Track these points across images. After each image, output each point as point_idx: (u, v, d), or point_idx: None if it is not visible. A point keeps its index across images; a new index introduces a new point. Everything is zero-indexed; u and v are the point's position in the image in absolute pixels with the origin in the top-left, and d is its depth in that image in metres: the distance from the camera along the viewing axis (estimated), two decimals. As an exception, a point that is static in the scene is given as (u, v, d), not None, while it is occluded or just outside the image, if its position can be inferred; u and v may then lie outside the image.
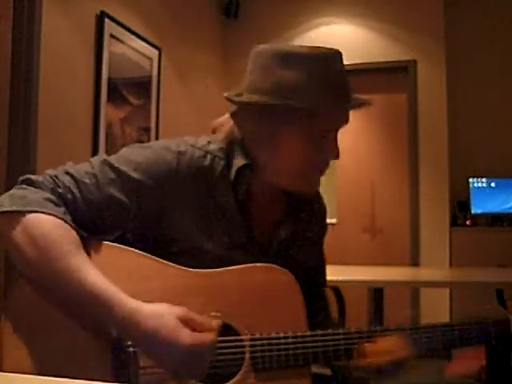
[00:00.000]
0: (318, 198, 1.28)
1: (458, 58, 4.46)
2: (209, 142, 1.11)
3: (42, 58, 2.57)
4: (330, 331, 1.04)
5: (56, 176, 1.03)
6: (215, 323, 0.95)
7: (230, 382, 0.99)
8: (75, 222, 0.99)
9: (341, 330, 1.04)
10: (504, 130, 4.41)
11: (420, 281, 2.80)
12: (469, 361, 2.22)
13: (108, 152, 3.03)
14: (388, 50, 4.45)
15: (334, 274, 2.57)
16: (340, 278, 2.58)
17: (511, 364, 1.83)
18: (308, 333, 1.03)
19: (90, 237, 1.02)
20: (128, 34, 3.32)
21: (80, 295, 0.92)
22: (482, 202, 4.29)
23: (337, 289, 2.97)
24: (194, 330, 0.91)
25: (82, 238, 0.99)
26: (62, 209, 0.99)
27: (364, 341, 1.04)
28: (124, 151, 1.09)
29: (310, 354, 1.02)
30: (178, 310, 0.92)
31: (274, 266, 1.05)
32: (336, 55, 1.07)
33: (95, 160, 1.07)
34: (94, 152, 2.98)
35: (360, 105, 1.09)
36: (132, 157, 1.06)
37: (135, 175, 1.03)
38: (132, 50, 3.38)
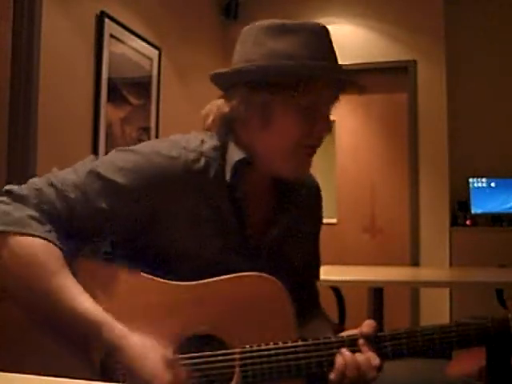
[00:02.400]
0: (311, 187, 1.25)
1: (458, 58, 4.46)
2: (202, 142, 1.07)
3: (42, 58, 2.57)
4: (321, 340, 1.00)
5: (40, 188, 0.99)
6: (195, 376, 0.95)
7: None
8: (61, 237, 0.98)
9: (333, 338, 1.01)
10: (504, 130, 4.41)
11: (420, 281, 2.81)
12: (469, 361, 2.22)
13: (108, 152, 3.03)
14: (388, 50, 4.45)
15: (334, 274, 2.58)
16: (340, 277, 2.58)
17: (511, 364, 1.83)
18: (299, 342, 0.99)
19: (76, 253, 1.01)
20: (128, 34, 3.32)
21: (67, 316, 0.91)
22: (482, 202, 4.29)
23: (337, 289, 2.97)
24: (175, 377, 0.90)
25: (66, 256, 0.97)
26: (47, 226, 0.96)
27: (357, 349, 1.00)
28: (112, 156, 1.05)
29: (302, 365, 0.99)
30: (163, 352, 0.92)
31: (262, 274, 1.01)
32: (324, 28, 1.07)
33: (81, 169, 1.02)
34: (94, 152, 2.99)
35: (352, 80, 1.10)
36: (120, 163, 1.02)
37: (124, 182, 1.00)
38: (132, 49, 3.38)
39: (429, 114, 4.36)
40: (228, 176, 1.04)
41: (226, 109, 1.07)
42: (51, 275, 0.93)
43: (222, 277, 1.01)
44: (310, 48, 1.02)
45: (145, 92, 3.55)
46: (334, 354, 0.99)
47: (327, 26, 1.08)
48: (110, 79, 3.12)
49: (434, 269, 3.73)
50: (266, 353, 0.98)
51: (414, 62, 4.38)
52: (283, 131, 1.04)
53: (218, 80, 1.08)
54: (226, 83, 1.07)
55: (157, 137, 3.64)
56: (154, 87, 3.63)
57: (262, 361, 0.98)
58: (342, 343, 1.00)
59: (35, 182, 1.01)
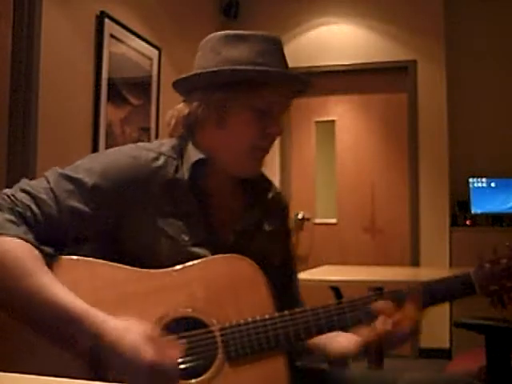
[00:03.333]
0: (272, 188, 1.29)
1: (458, 58, 4.46)
2: (161, 144, 1.17)
3: (42, 57, 2.57)
4: (297, 310, 1.05)
5: (13, 195, 1.02)
6: (181, 343, 0.97)
7: (206, 374, 0.99)
8: (38, 239, 1.00)
9: (308, 308, 1.05)
10: (504, 130, 4.41)
11: (420, 281, 2.80)
12: (469, 361, 2.22)
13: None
14: (388, 50, 4.45)
15: (334, 274, 2.58)
16: (340, 277, 2.58)
17: (511, 364, 1.83)
18: (276, 315, 1.04)
19: (54, 251, 1.03)
20: (128, 34, 3.32)
21: (48, 312, 0.93)
22: (482, 202, 4.29)
23: (337, 289, 2.97)
24: (159, 348, 0.91)
25: (44, 255, 1.00)
26: (23, 228, 0.99)
27: (334, 318, 1.05)
28: (78, 161, 1.11)
29: (280, 336, 1.03)
30: (144, 327, 0.93)
31: (235, 255, 1.07)
32: (277, 38, 1.15)
33: (50, 174, 1.08)
34: (94, 152, 2.98)
35: (301, 80, 1.14)
36: (87, 164, 1.09)
37: (91, 180, 1.06)
38: (132, 49, 3.38)
39: (429, 114, 4.36)
40: (186, 175, 1.12)
41: (186, 111, 1.16)
42: (29, 275, 0.94)
43: (196, 261, 1.06)
44: (260, 55, 1.10)
45: (145, 92, 3.55)
46: (309, 322, 1.04)
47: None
48: (109, 79, 3.12)
49: (434, 269, 3.72)
50: (244, 327, 1.02)
51: (414, 61, 4.38)
52: (237, 133, 1.12)
53: (178, 86, 1.18)
54: (186, 88, 1.17)
55: (157, 137, 3.64)
56: (153, 87, 3.62)
57: (242, 335, 1.02)
58: (317, 311, 1.05)
59: (6, 191, 1.05)
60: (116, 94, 3.20)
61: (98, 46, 3.04)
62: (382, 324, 1.04)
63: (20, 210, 1.01)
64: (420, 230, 4.32)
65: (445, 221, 4.27)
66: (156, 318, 1.00)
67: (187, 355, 0.99)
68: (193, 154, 1.13)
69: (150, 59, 3.59)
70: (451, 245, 4.19)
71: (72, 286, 0.97)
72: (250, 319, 1.03)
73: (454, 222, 4.29)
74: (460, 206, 4.34)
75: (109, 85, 3.11)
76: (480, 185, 4.32)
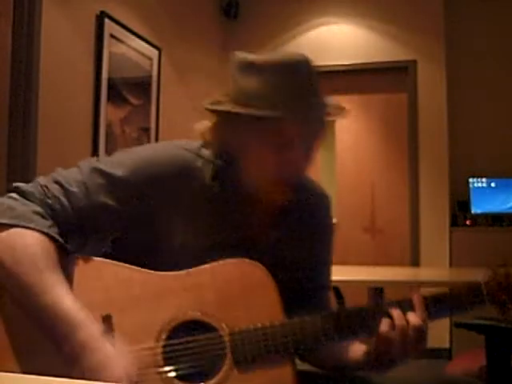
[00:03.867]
0: (315, 194, 1.26)
1: (458, 58, 4.46)
2: (201, 146, 1.12)
3: (42, 57, 2.57)
4: (307, 318, 1.03)
5: (46, 186, 1.03)
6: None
7: (214, 379, 0.99)
8: (64, 232, 1.01)
9: (318, 315, 1.04)
10: (504, 130, 4.41)
11: (420, 281, 2.81)
12: (469, 360, 2.22)
13: (108, 152, 3.04)
14: (388, 50, 4.45)
15: (333, 273, 2.57)
16: (340, 277, 2.58)
17: (511, 364, 1.83)
18: (286, 321, 1.03)
19: (79, 248, 1.04)
20: (128, 34, 3.32)
21: (49, 315, 0.93)
22: (481, 202, 4.29)
23: (337, 289, 2.97)
24: None
25: (64, 251, 1.00)
26: (49, 222, 1.00)
27: (343, 325, 1.04)
28: (114, 155, 1.11)
29: (289, 343, 1.02)
30: (126, 365, 0.93)
31: (245, 259, 1.05)
32: (300, 62, 1.05)
33: (84, 166, 1.07)
34: (94, 152, 2.99)
35: (325, 112, 1.06)
36: (122, 159, 1.08)
37: (124, 175, 1.05)
38: (132, 49, 3.38)
39: (429, 114, 4.36)
40: (219, 182, 1.09)
41: (209, 136, 1.10)
42: (40, 272, 0.95)
43: (208, 264, 1.05)
44: (278, 86, 1.01)
45: (145, 92, 3.55)
46: (319, 330, 1.03)
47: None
48: (110, 79, 3.12)
49: (434, 269, 3.73)
50: (253, 333, 1.01)
51: (414, 61, 4.38)
52: (257, 166, 1.07)
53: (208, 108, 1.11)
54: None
55: (157, 137, 3.64)
56: (154, 87, 3.63)
57: (251, 341, 1.01)
58: (328, 320, 1.03)
59: (41, 180, 1.05)
60: (116, 94, 3.20)
61: (98, 46, 3.04)
62: (388, 331, 1.02)
63: (50, 202, 1.01)
64: (420, 230, 4.32)
65: (445, 221, 4.27)
66: (165, 321, 1.00)
67: (195, 359, 0.99)
68: (225, 163, 1.10)
69: (150, 59, 3.59)
70: (451, 245, 4.19)
71: (85, 285, 0.98)
72: (259, 325, 1.02)
73: (454, 222, 4.29)
74: (460, 206, 4.34)
75: (109, 85, 3.11)
76: (480, 185, 4.32)
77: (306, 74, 1.05)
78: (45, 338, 0.95)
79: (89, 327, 0.93)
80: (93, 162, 1.08)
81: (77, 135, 2.91)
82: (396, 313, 1.03)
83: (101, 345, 0.93)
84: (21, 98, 2.49)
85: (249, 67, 1.05)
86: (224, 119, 1.07)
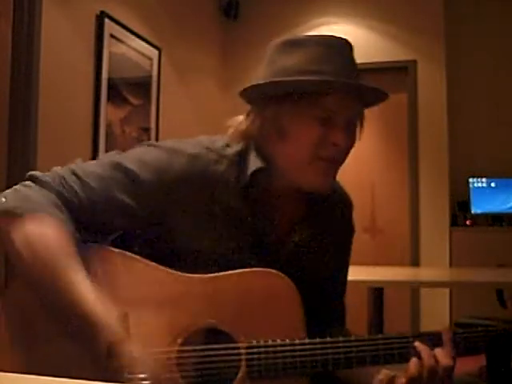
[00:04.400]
0: (341, 198, 1.25)
1: (458, 57, 4.46)
2: (226, 145, 1.08)
3: (42, 57, 2.57)
4: (328, 339, 1.00)
5: (63, 176, 1.02)
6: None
7: None
8: (79, 223, 1.00)
9: (340, 338, 1.01)
10: (504, 130, 4.41)
11: (420, 281, 2.80)
12: (469, 361, 2.21)
13: (108, 152, 3.03)
14: (388, 50, 4.45)
15: (334, 274, 2.57)
16: (340, 278, 2.57)
17: (511, 364, 1.83)
18: (306, 340, 0.99)
19: (91, 239, 1.02)
20: (128, 34, 3.32)
21: (71, 308, 0.91)
22: (481, 202, 4.29)
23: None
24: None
25: (79, 242, 0.98)
26: (65, 214, 0.98)
27: (366, 352, 1.00)
28: (136, 151, 1.08)
29: (307, 363, 0.98)
30: (153, 366, 0.90)
31: (272, 270, 1.02)
32: (344, 41, 1.05)
33: (106, 160, 1.06)
34: (94, 152, 2.99)
35: (369, 89, 1.03)
36: (143, 157, 1.05)
37: (143, 176, 1.02)
38: (132, 49, 3.38)
39: (429, 114, 4.36)
40: (245, 183, 1.06)
41: (244, 126, 1.08)
42: (61, 268, 0.93)
43: (233, 271, 1.02)
44: (315, 62, 1.01)
45: (145, 92, 3.54)
46: (340, 354, 0.99)
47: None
48: (110, 79, 3.12)
49: (434, 269, 3.72)
50: (271, 349, 0.98)
51: (414, 62, 4.38)
52: (297, 142, 1.03)
53: (242, 95, 1.09)
54: (246, 99, 1.09)
55: (157, 137, 3.64)
56: (154, 87, 3.62)
57: (268, 356, 0.98)
58: (349, 344, 1.00)
59: (59, 170, 1.04)
60: (116, 94, 3.20)
61: (98, 46, 3.04)
62: (417, 373, 0.97)
63: (66, 194, 1.00)
64: (420, 230, 4.32)
65: (445, 221, 4.27)
66: (183, 326, 0.98)
67: (208, 368, 0.97)
68: (254, 162, 1.06)
69: (150, 59, 3.59)
70: (451, 245, 4.19)
71: (101, 278, 0.95)
72: (278, 341, 0.99)
73: (454, 222, 4.29)
74: (460, 206, 4.34)
75: (109, 85, 3.11)
76: (480, 185, 4.32)
77: (349, 52, 1.06)
78: (58, 335, 0.93)
79: (115, 327, 0.90)
80: (114, 156, 1.06)
81: (77, 135, 2.91)
82: (425, 352, 0.99)
83: (128, 345, 0.89)
84: (21, 98, 2.49)
85: (292, 45, 1.04)
86: (261, 102, 1.05)
